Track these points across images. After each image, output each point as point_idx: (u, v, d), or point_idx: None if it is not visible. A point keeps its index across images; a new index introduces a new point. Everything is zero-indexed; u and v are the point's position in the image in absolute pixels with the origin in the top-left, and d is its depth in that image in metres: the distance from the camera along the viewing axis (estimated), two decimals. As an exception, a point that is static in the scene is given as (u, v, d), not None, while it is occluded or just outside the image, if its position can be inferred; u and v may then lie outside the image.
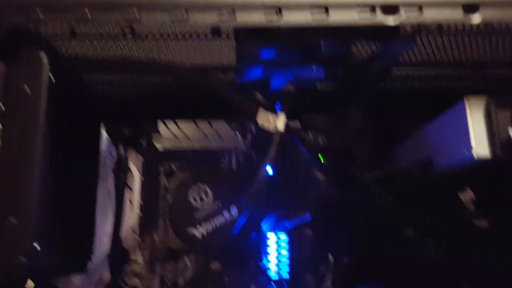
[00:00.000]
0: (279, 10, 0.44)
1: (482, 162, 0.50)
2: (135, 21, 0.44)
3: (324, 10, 0.44)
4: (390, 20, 0.44)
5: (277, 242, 0.72)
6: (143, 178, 0.74)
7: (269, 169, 0.68)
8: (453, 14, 0.45)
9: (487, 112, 0.50)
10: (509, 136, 0.48)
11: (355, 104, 0.72)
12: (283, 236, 0.72)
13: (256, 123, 0.55)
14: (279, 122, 0.54)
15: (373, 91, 0.65)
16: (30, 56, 0.47)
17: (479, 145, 0.49)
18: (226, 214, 0.68)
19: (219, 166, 0.75)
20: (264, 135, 0.57)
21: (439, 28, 0.48)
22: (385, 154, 0.73)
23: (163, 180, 0.73)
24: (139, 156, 0.74)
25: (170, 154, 0.74)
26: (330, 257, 0.71)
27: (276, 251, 0.72)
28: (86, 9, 0.44)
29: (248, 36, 0.46)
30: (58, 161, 0.49)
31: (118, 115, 0.70)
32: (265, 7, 0.44)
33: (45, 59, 0.47)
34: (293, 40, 0.47)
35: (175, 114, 0.74)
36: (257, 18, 0.44)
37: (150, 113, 0.73)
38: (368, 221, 0.63)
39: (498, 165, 0.50)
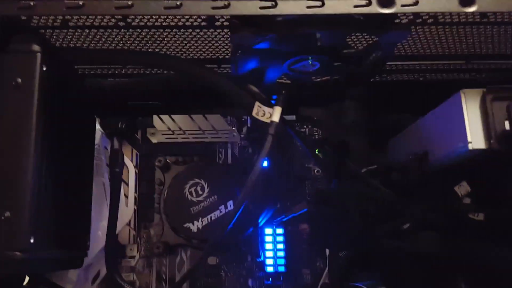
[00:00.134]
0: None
1: (478, 155, 0.50)
2: (128, 11, 0.44)
3: (320, 2, 0.44)
4: (386, 11, 0.44)
5: (273, 236, 0.72)
6: (138, 172, 0.74)
7: (265, 163, 0.68)
8: (449, 5, 0.44)
9: (483, 104, 0.49)
10: (505, 128, 0.48)
11: (351, 97, 0.72)
12: (280, 230, 0.72)
13: (251, 117, 0.55)
14: (275, 115, 0.54)
15: (369, 83, 0.65)
16: (22, 47, 0.46)
17: (475, 137, 0.49)
18: (223, 208, 0.68)
19: (215, 160, 0.74)
20: (260, 129, 0.57)
21: (435, 20, 0.48)
22: (381, 147, 0.73)
23: (158, 174, 0.73)
24: (134, 150, 0.74)
25: (166, 148, 0.74)
26: (327, 251, 0.71)
27: (272, 246, 0.71)
28: (79, -1, 0.43)
29: (243, 26, 0.46)
30: (53, 155, 0.49)
31: (113, 108, 0.69)
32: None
33: (37, 50, 0.46)
34: (288, 30, 0.47)
35: (171, 107, 0.74)
36: (252, 7, 0.44)
37: (145, 107, 0.73)
38: (364, 215, 0.63)
39: (494, 158, 0.50)
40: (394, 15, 0.45)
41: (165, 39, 0.52)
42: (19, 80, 0.45)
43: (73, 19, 0.47)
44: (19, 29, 0.47)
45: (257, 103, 0.54)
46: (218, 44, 0.54)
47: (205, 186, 0.69)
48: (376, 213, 0.62)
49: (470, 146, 0.49)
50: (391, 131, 0.71)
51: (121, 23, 0.48)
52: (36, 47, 0.46)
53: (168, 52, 0.56)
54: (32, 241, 0.44)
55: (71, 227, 0.56)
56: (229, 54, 0.56)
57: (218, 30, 0.50)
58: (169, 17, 0.46)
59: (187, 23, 0.48)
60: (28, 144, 0.45)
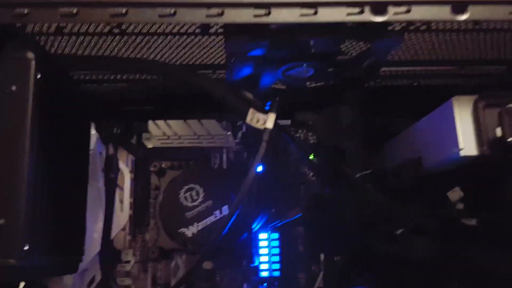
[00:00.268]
0: (268, 8, 0.44)
1: (470, 161, 0.50)
2: (123, 19, 0.44)
3: (313, 10, 0.44)
4: (379, 19, 0.44)
5: (268, 241, 0.72)
6: (133, 177, 0.74)
7: (260, 168, 0.68)
8: (441, 13, 0.45)
9: (474, 111, 0.50)
10: (496, 135, 0.48)
11: (346, 102, 0.73)
12: (275, 235, 0.72)
13: (246, 123, 0.55)
14: (269, 122, 0.54)
15: (363, 88, 0.65)
16: (16, 54, 0.46)
17: (467, 144, 0.49)
18: (218, 213, 0.68)
19: (210, 165, 0.74)
20: (255, 134, 0.57)
21: (428, 27, 0.48)
22: (376, 152, 0.73)
23: (154, 179, 0.73)
24: (130, 155, 0.74)
25: (161, 153, 0.74)
26: (322, 255, 0.71)
27: (268, 250, 0.72)
28: (73, 6, 0.44)
29: (237, 34, 0.46)
30: (47, 161, 0.49)
31: (108, 113, 0.70)
32: (254, 4, 0.44)
33: (31, 57, 0.46)
34: (282, 38, 0.47)
35: (166, 113, 0.74)
36: (246, 16, 0.44)
37: (141, 112, 0.73)
38: (359, 219, 0.63)
39: (486, 164, 0.51)
40: (387, 23, 0.45)
41: (160, 45, 0.53)
42: (14, 87, 0.45)
43: (67, 26, 0.47)
44: (13, 36, 0.47)
45: (251, 110, 0.55)
46: (213, 50, 0.54)
47: (200, 191, 0.69)
48: (370, 218, 0.62)
49: (462, 153, 0.49)
50: (386, 136, 0.71)
51: (115, 30, 0.48)
52: (30, 54, 0.46)
53: (163, 58, 0.56)
54: (26, 248, 0.44)
55: (66, 233, 0.56)
56: (224, 60, 0.56)
57: (212, 37, 0.50)
58: (164, 24, 0.47)
59: (181, 30, 0.48)
60: (23, 151, 0.45)
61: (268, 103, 0.57)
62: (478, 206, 0.56)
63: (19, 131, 0.45)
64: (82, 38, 0.50)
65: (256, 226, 0.69)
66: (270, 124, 0.54)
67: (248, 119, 0.55)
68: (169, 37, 0.50)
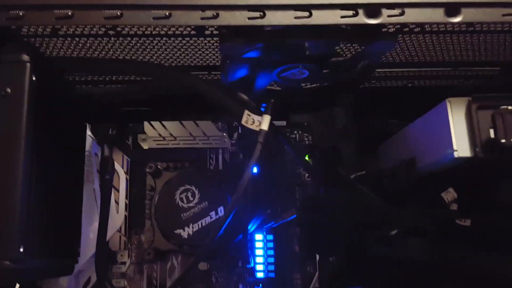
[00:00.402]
0: (262, 10, 0.44)
1: (463, 162, 0.50)
2: (118, 21, 0.44)
3: (307, 13, 0.44)
4: (372, 21, 0.44)
5: (264, 242, 0.72)
6: (129, 179, 0.74)
7: (255, 170, 0.68)
8: (434, 16, 0.45)
9: (468, 113, 0.50)
10: (490, 137, 0.48)
11: (341, 103, 0.73)
12: (270, 236, 0.72)
13: (241, 125, 0.55)
14: (264, 123, 0.55)
15: (357, 90, 0.65)
16: (11, 57, 0.46)
17: (461, 145, 0.49)
18: (213, 214, 0.68)
19: (206, 166, 0.75)
20: (250, 135, 0.57)
21: (421, 29, 0.49)
22: (370, 153, 0.74)
23: (149, 180, 0.73)
24: (125, 156, 0.74)
25: (156, 155, 0.74)
26: (317, 256, 0.72)
27: (263, 251, 0.72)
28: (68, 8, 0.44)
29: (232, 36, 0.46)
30: (42, 163, 0.49)
31: (103, 115, 0.70)
32: (249, 7, 0.44)
33: (27, 59, 0.46)
34: (277, 40, 0.47)
35: (161, 114, 0.74)
36: (240, 18, 0.44)
37: (136, 113, 0.73)
38: (353, 220, 0.63)
39: (480, 165, 0.51)
40: (380, 25, 0.46)
41: (155, 47, 0.53)
42: (9, 89, 0.45)
43: (62, 29, 0.47)
44: (8, 39, 0.47)
45: (246, 112, 0.55)
46: (208, 52, 0.54)
47: (196, 192, 0.69)
48: (364, 219, 0.63)
49: (456, 154, 0.49)
50: (381, 137, 0.71)
51: (110, 32, 0.48)
52: (25, 57, 0.46)
53: (158, 60, 0.56)
54: (21, 250, 0.44)
55: (62, 235, 0.56)
56: (219, 62, 0.56)
57: (207, 39, 0.50)
58: (159, 26, 0.47)
59: (176, 32, 0.49)
60: (18, 153, 0.45)
61: (263, 105, 0.57)
62: (472, 207, 0.56)
63: (14, 133, 0.45)
64: (77, 40, 0.50)
65: (251, 227, 0.70)
66: (265, 126, 0.54)
67: (243, 121, 0.55)
68: (164, 38, 0.50)
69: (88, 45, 0.52)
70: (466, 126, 0.50)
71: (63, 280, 0.65)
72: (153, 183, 0.72)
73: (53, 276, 0.63)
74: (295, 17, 0.44)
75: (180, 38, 0.50)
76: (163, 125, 0.74)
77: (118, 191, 0.72)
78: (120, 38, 0.50)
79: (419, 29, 0.49)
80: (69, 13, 0.44)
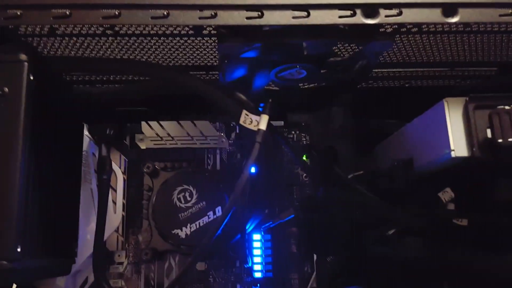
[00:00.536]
0: (260, 10, 0.44)
1: (461, 162, 0.51)
2: (115, 20, 0.44)
3: (305, 13, 0.45)
4: (370, 22, 0.44)
5: (262, 242, 0.72)
6: (126, 179, 0.74)
7: (253, 169, 0.68)
8: (432, 16, 0.45)
9: (465, 113, 0.50)
10: (487, 136, 0.49)
11: (338, 103, 0.73)
12: (268, 236, 0.72)
13: (239, 125, 0.55)
14: (262, 123, 0.55)
15: (355, 90, 0.65)
16: (9, 57, 0.46)
17: (458, 145, 0.50)
18: (211, 214, 0.68)
19: (204, 166, 0.75)
20: (248, 135, 0.57)
21: (419, 29, 0.49)
22: (368, 153, 0.74)
23: (147, 180, 0.73)
24: (123, 156, 0.74)
25: (154, 155, 0.74)
26: (315, 256, 0.72)
27: (261, 251, 0.72)
28: (66, 8, 0.44)
29: (230, 36, 0.46)
30: (40, 163, 0.49)
31: (101, 114, 0.69)
32: (247, 7, 0.44)
33: (24, 59, 0.46)
34: (275, 40, 0.47)
35: (159, 114, 0.74)
36: (238, 18, 0.44)
37: (134, 113, 0.73)
38: (351, 220, 0.63)
39: (477, 165, 0.51)
40: (378, 25, 0.46)
41: (153, 46, 0.53)
42: (6, 89, 0.45)
43: (60, 28, 0.47)
44: (6, 38, 0.47)
45: (244, 111, 0.55)
46: (206, 52, 0.54)
47: (194, 192, 0.69)
48: (362, 219, 0.63)
49: (453, 154, 0.50)
50: (378, 137, 0.72)
51: (108, 32, 0.48)
52: (23, 56, 0.46)
53: (156, 60, 0.56)
54: (19, 250, 0.44)
55: (59, 235, 0.56)
56: (217, 61, 0.56)
57: (206, 38, 0.50)
58: (157, 26, 0.47)
59: (174, 32, 0.49)
60: (15, 153, 0.45)
61: (261, 105, 0.57)
62: (469, 207, 0.57)
63: (12, 133, 0.45)
64: (75, 39, 0.50)
65: (249, 227, 0.70)
66: (263, 126, 0.55)
67: (241, 121, 0.55)
68: (162, 38, 0.50)
69: (86, 44, 0.52)
70: (463, 126, 0.50)
71: (60, 280, 0.65)
72: (151, 183, 0.72)
73: (51, 276, 0.63)
74: (293, 17, 0.44)
75: (178, 38, 0.50)
76: (161, 125, 0.74)
77: (115, 191, 0.72)
78: (118, 38, 0.50)
79: (417, 29, 0.49)
80: (67, 13, 0.44)
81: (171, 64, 0.57)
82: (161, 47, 0.53)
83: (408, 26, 0.48)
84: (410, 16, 0.45)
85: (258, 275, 0.71)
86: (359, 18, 0.44)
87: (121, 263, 0.71)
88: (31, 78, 0.46)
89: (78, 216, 0.63)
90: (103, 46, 0.52)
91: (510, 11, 0.45)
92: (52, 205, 0.53)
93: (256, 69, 0.55)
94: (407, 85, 0.67)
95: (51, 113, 0.52)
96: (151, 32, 0.49)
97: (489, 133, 0.49)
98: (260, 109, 0.56)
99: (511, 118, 0.48)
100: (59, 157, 0.56)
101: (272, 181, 0.72)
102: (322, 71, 0.56)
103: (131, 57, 0.55)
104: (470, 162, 0.50)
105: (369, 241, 0.61)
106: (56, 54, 0.53)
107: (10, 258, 0.44)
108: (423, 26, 0.48)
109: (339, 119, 0.75)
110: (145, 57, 0.55)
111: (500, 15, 0.46)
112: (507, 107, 0.49)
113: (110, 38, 0.50)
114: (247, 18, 0.44)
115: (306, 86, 0.64)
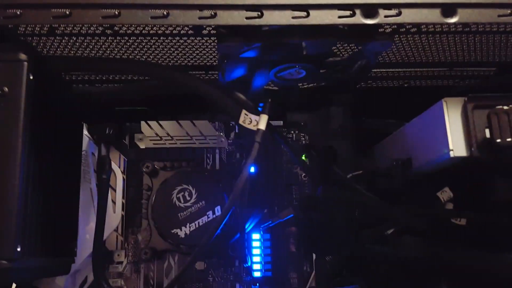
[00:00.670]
0: (260, 10, 0.44)
1: (459, 162, 0.51)
2: (115, 20, 0.44)
3: (305, 13, 0.45)
4: (369, 22, 0.45)
5: (261, 242, 0.72)
6: (126, 178, 0.74)
7: (253, 169, 0.68)
8: (431, 16, 0.45)
9: (464, 113, 0.50)
10: (485, 136, 0.49)
11: (337, 103, 0.73)
12: (267, 236, 0.72)
13: (238, 124, 0.55)
14: (261, 123, 0.55)
15: (354, 90, 0.65)
16: (8, 56, 0.46)
17: (457, 145, 0.50)
18: (210, 214, 0.68)
19: (203, 165, 0.75)
20: (247, 135, 0.57)
21: (418, 29, 0.49)
22: (367, 153, 0.74)
23: (146, 180, 0.73)
24: (122, 156, 0.74)
25: (153, 154, 0.74)
26: (314, 256, 0.72)
27: (260, 250, 0.72)
28: (66, 7, 0.44)
29: (230, 35, 0.46)
30: (40, 162, 0.49)
31: (100, 114, 0.69)
32: (246, 7, 0.44)
33: (24, 58, 0.46)
34: (274, 40, 0.47)
35: (158, 113, 0.74)
36: (238, 18, 0.44)
37: (133, 113, 0.73)
38: (350, 219, 0.64)
39: (475, 165, 0.51)
40: (377, 26, 0.46)
41: (153, 46, 0.53)
42: (6, 88, 0.45)
43: (60, 28, 0.47)
44: (5, 37, 0.47)
45: (243, 111, 0.55)
46: (205, 51, 0.54)
47: (193, 192, 0.69)
48: (361, 218, 0.63)
49: (452, 154, 0.50)
50: (377, 137, 0.72)
51: (108, 31, 0.48)
52: (23, 56, 0.46)
53: (156, 59, 0.56)
54: (19, 249, 0.44)
55: (59, 234, 0.56)
56: (217, 61, 0.56)
57: (205, 38, 0.50)
58: (157, 25, 0.47)
59: (174, 31, 0.49)
60: (15, 152, 0.45)
61: (261, 104, 0.57)
62: (467, 207, 0.57)
63: (12, 133, 0.45)
64: (75, 39, 0.50)
65: (248, 226, 0.70)
66: (262, 125, 0.55)
67: (240, 120, 0.55)
68: (161, 38, 0.50)
69: (85, 44, 0.52)
70: (462, 126, 0.50)
71: (59, 280, 0.65)
72: (150, 182, 0.72)
73: (50, 276, 0.63)
74: (293, 17, 0.45)
75: (177, 38, 0.50)
76: (160, 125, 0.74)
77: (115, 190, 0.72)
78: (118, 37, 0.50)
79: (416, 29, 0.49)
80: (67, 12, 0.44)
81: (170, 64, 0.57)
82: (160, 46, 0.53)
83: (407, 26, 0.48)
84: (409, 16, 0.45)
85: (257, 274, 0.71)
86: (359, 18, 0.45)
87: (121, 263, 0.71)
88: (31, 77, 0.46)
89: (77, 215, 0.63)
90: (103, 46, 0.52)
91: (509, 11, 0.46)
92: (51, 205, 0.53)
93: (256, 69, 0.55)
94: (406, 85, 0.67)
95: (51, 112, 0.52)
96: (151, 31, 0.49)
97: (487, 133, 0.49)
98: (259, 109, 0.57)
99: (510, 118, 0.48)
100: (58, 157, 0.56)
101: (271, 181, 0.72)
102: (321, 71, 0.56)
103: (130, 56, 0.55)
104: (468, 162, 0.50)
105: (368, 240, 0.61)
106: (56, 53, 0.53)
107: (10, 257, 0.44)
108: (422, 26, 0.49)
109: (339, 119, 0.75)
110: (144, 57, 0.55)
111: (499, 16, 0.46)
112: (505, 107, 0.49)
113: (109, 37, 0.50)
114: (247, 18, 0.44)
115: (305, 86, 0.64)
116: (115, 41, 0.51)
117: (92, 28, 0.47)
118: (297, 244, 0.72)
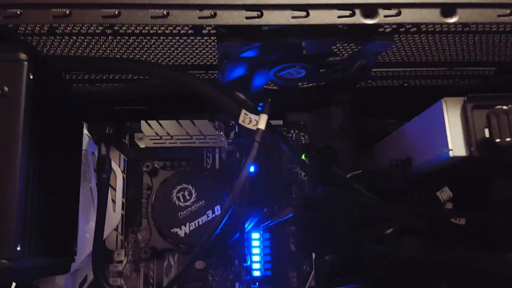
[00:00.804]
0: (260, 10, 0.44)
1: (459, 162, 0.51)
2: (115, 20, 0.44)
3: (304, 13, 0.45)
4: (369, 22, 0.45)
5: (260, 241, 0.72)
6: (126, 177, 0.74)
7: (252, 168, 0.68)
8: (430, 16, 0.45)
9: (463, 113, 0.50)
10: (485, 136, 0.49)
11: (337, 102, 0.73)
12: (267, 235, 0.72)
13: (238, 124, 0.55)
14: (261, 122, 0.55)
15: (354, 89, 0.65)
16: (8, 56, 0.46)
17: (456, 145, 0.50)
18: (210, 213, 0.69)
19: (203, 165, 0.75)
20: (247, 135, 0.57)
21: (418, 29, 0.49)
22: (366, 152, 0.74)
23: (146, 179, 0.73)
24: (122, 155, 0.74)
25: (153, 153, 0.74)
26: (313, 255, 0.72)
27: (260, 250, 0.72)
28: (66, 7, 0.44)
29: (230, 35, 0.47)
30: (40, 162, 0.49)
31: (100, 114, 0.70)
32: (246, 6, 0.44)
33: (24, 58, 0.46)
34: (274, 40, 0.48)
35: (158, 113, 0.74)
36: (238, 17, 0.44)
37: (133, 112, 0.73)
38: (349, 219, 0.64)
39: (475, 164, 0.51)
40: (377, 25, 0.46)
41: (153, 46, 0.53)
42: (6, 88, 0.45)
43: (60, 27, 0.47)
44: (5, 37, 0.47)
45: (243, 111, 0.55)
46: (205, 51, 0.54)
47: (193, 191, 0.69)
48: (360, 218, 0.63)
49: (451, 154, 0.50)
50: (377, 136, 0.72)
51: (108, 31, 0.48)
52: (23, 56, 0.46)
53: (156, 59, 0.56)
54: (19, 248, 0.44)
55: (58, 233, 0.56)
56: (216, 61, 0.56)
57: (205, 38, 0.50)
58: (156, 25, 0.47)
59: (174, 31, 0.49)
60: (15, 152, 0.45)
61: (260, 104, 0.57)
62: (467, 206, 0.57)
63: (12, 132, 0.45)
64: (75, 38, 0.50)
65: (248, 225, 0.70)
66: (262, 125, 0.55)
67: (240, 120, 0.55)
68: (161, 37, 0.50)
69: (85, 44, 0.52)
70: (461, 125, 0.51)
71: (59, 279, 0.65)
72: (150, 182, 0.73)
73: (50, 275, 0.63)
74: (292, 17, 0.45)
75: (177, 37, 0.50)
76: (160, 124, 0.74)
77: (115, 190, 0.72)
78: (118, 37, 0.50)
79: (415, 29, 0.49)
80: (67, 12, 0.44)
81: (170, 63, 0.57)
82: (160, 46, 0.53)
83: (407, 26, 0.48)
84: (409, 16, 0.45)
85: (257, 273, 0.71)
86: (358, 18, 0.45)
87: (120, 262, 0.71)
88: (31, 77, 0.46)
89: (77, 215, 0.63)
90: (103, 46, 0.52)
91: (508, 11, 0.46)
92: (51, 204, 0.53)
93: (255, 69, 0.55)
94: (405, 85, 0.67)
95: (51, 112, 0.52)
96: (151, 31, 0.49)
97: (487, 132, 0.49)
98: (259, 108, 0.57)
99: (509, 118, 0.48)
100: (58, 156, 0.56)
101: (271, 180, 0.73)
102: (321, 71, 0.56)
103: (130, 56, 0.55)
104: (468, 162, 0.50)
105: (368, 240, 0.61)
106: (56, 53, 0.53)
107: (10, 257, 0.44)
108: (422, 26, 0.49)
109: (338, 119, 0.75)
110: (144, 56, 0.55)
111: (499, 16, 0.46)
112: (505, 107, 0.49)
113: (109, 37, 0.50)
114: (247, 18, 0.44)
115: (305, 86, 0.64)
116: (115, 40, 0.51)
117: (92, 28, 0.48)
118: (296, 243, 0.73)
